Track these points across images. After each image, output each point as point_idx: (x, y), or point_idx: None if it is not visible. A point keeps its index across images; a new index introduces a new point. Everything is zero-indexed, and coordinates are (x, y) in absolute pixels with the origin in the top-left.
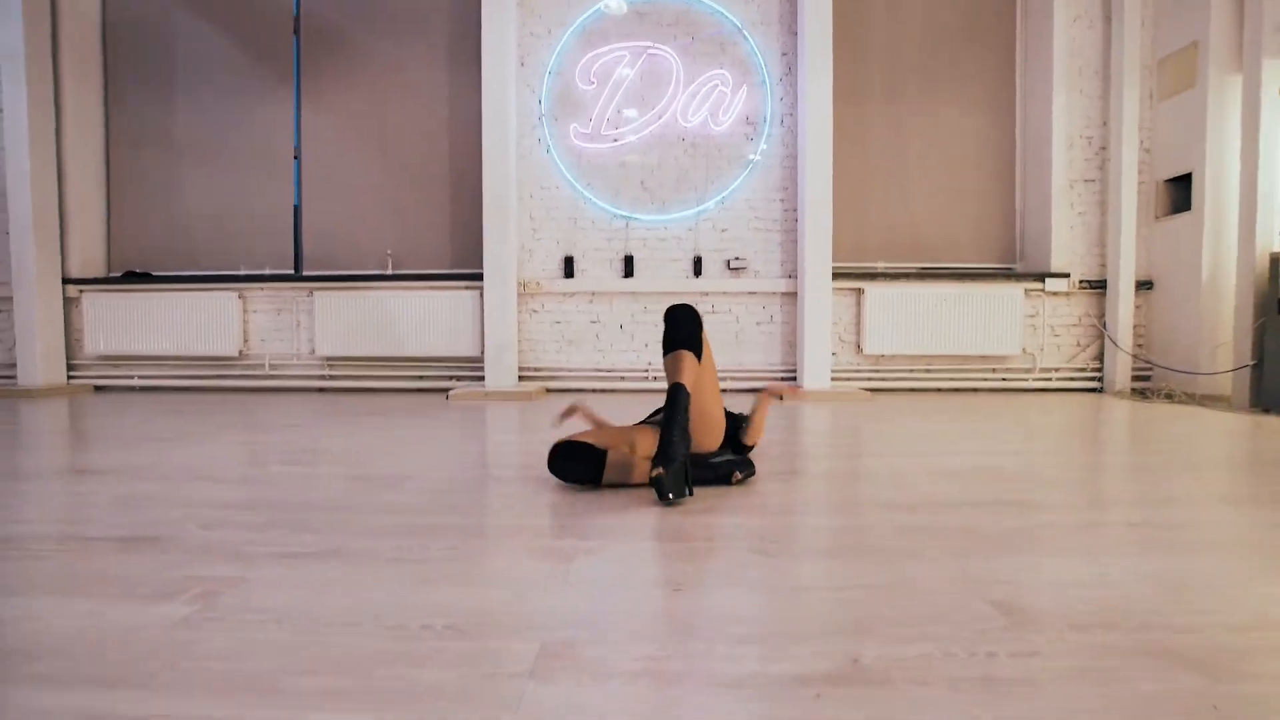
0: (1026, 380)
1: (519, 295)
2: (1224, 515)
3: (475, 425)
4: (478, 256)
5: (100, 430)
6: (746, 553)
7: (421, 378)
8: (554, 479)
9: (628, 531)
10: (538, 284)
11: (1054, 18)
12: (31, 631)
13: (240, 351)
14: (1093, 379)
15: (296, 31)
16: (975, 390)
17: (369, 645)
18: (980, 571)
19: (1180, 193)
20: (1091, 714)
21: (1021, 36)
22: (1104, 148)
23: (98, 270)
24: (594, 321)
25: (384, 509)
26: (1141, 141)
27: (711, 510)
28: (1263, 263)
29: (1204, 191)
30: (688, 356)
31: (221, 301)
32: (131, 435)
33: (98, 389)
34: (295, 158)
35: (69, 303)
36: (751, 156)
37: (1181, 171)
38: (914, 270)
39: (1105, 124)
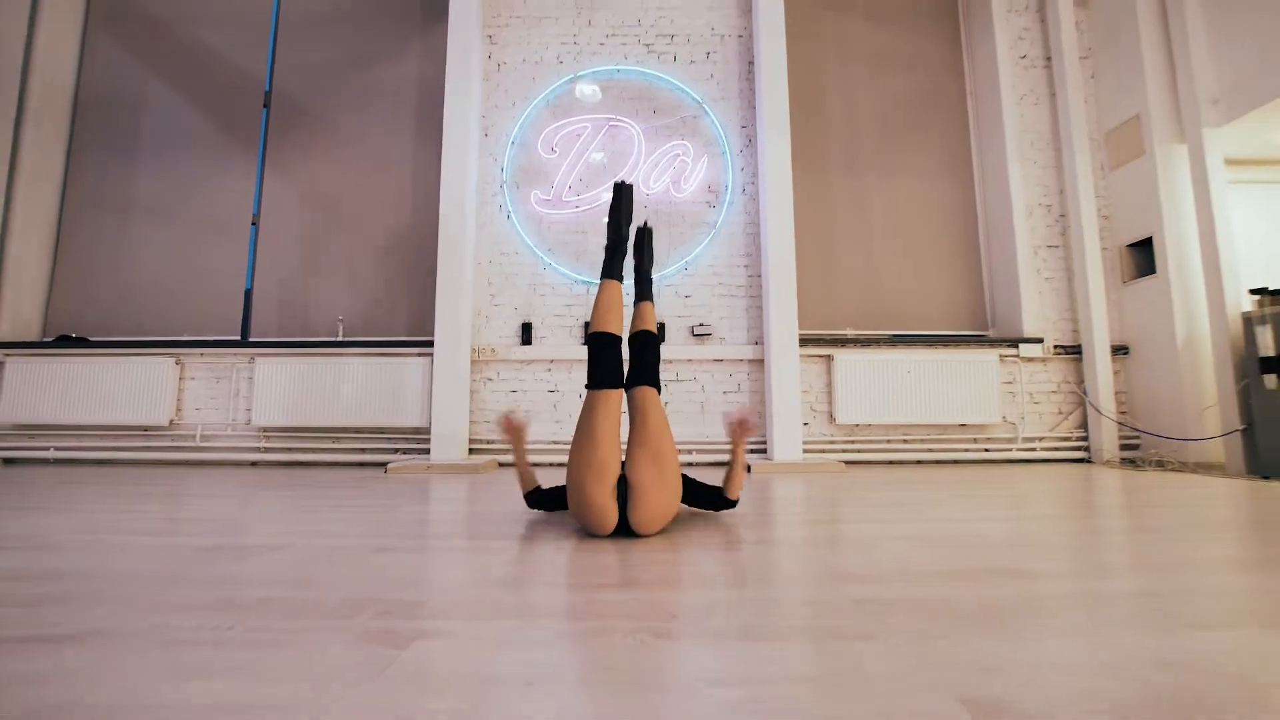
0: (1010, 450)
1: (473, 362)
2: (1241, 581)
3: (400, 498)
4: (433, 324)
5: None
6: (646, 636)
7: (364, 450)
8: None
9: (504, 609)
10: (493, 350)
11: (1001, 96)
12: None
13: (171, 421)
14: (1079, 448)
15: (267, 105)
16: (957, 462)
17: None
18: (951, 657)
19: (1144, 256)
20: None
21: (973, 112)
22: (1064, 215)
23: (31, 334)
24: (552, 391)
25: (214, 582)
26: (1100, 209)
27: (627, 584)
28: (1235, 325)
29: (1166, 255)
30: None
31: (157, 368)
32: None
33: (6, 462)
34: (253, 224)
35: None
36: (714, 222)
37: (1142, 236)
38: (885, 337)
39: (1062, 192)
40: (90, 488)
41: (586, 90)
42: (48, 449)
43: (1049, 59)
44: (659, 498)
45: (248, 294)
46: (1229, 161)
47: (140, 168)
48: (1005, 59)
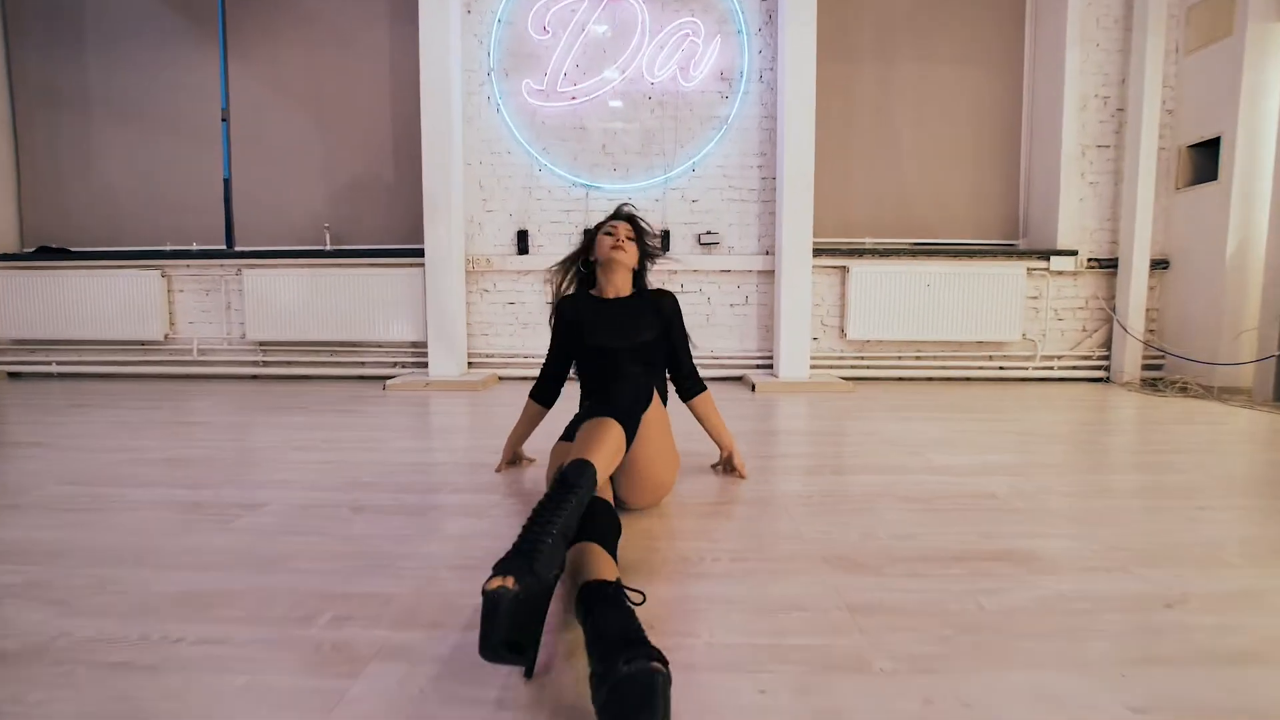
0: (1026, 369)
1: (467, 273)
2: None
3: (396, 424)
4: (422, 231)
5: None
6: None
7: (363, 364)
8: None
9: (475, 614)
10: (488, 261)
11: None
12: None
13: (166, 335)
14: (1098, 367)
15: None
16: (969, 380)
17: None
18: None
19: (1206, 160)
20: None
21: None
22: (1121, 108)
23: (9, 245)
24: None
25: (171, 562)
26: (1164, 101)
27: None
28: None
29: (1234, 158)
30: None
31: (143, 280)
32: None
33: (12, 375)
34: (223, 120)
35: None
36: (725, 115)
37: (1209, 135)
38: (905, 247)
39: (1124, 81)
40: (95, 411)
41: None
42: (50, 363)
43: None
44: (649, 499)
45: (227, 197)
46: None
47: (89, 59)
48: None
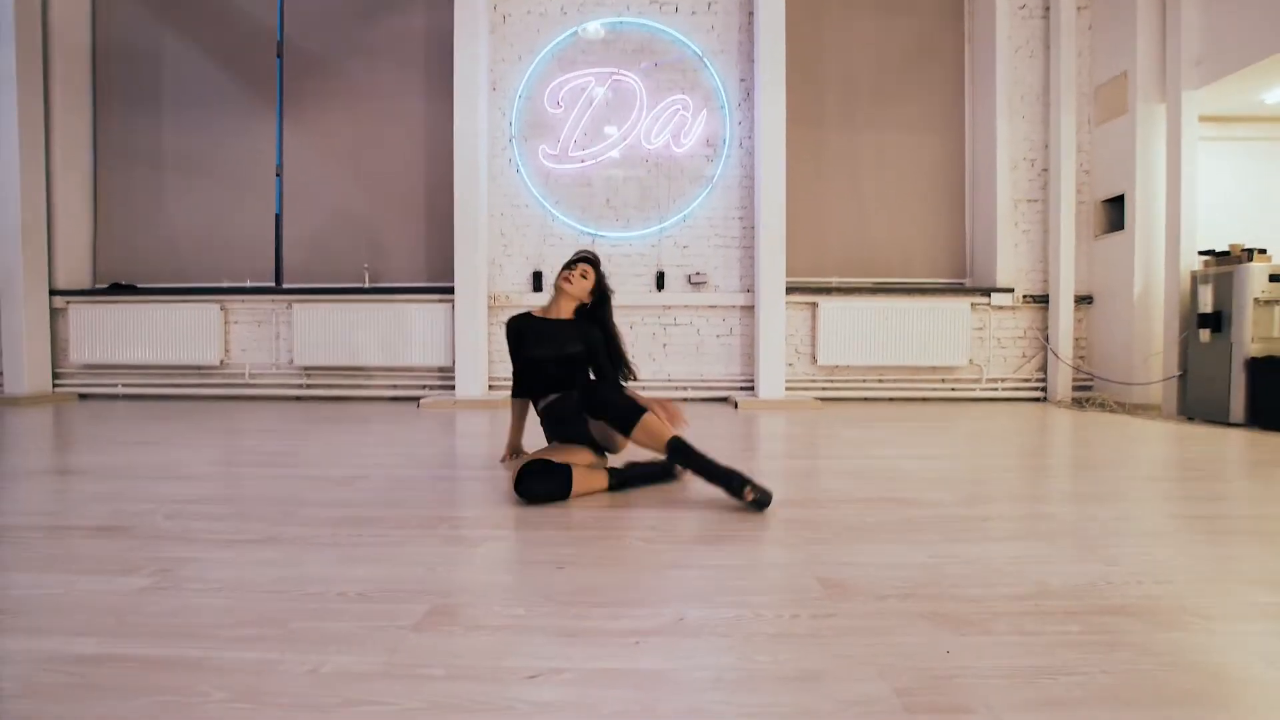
0: (974, 390)
1: (489, 308)
2: (1062, 509)
3: (437, 431)
4: (451, 271)
5: (82, 435)
6: (633, 541)
7: (396, 386)
8: (512, 496)
9: (533, 521)
10: (507, 297)
11: (997, 48)
12: (14, 597)
13: (221, 361)
14: (1037, 389)
15: (280, 54)
16: (925, 400)
17: (290, 606)
18: (824, 555)
19: (1116, 212)
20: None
21: (969, 63)
22: (1046, 169)
23: (84, 282)
24: None
25: (331, 504)
26: (1081, 164)
27: (619, 505)
28: (1185, 280)
29: (1135, 212)
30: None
31: (204, 313)
32: (111, 439)
33: (82, 397)
34: (277, 175)
35: (55, 313)
36: (711, 175)
37: (1116, 193)
38: (867, 285)
39: (1046, 147)
40: (177, 423)
41: (591, 40)
42: (116, 385)
43: (1047, 8)
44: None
45: (278, 242)
46: (1205, 118)
47: (164, 121)
48: (1004, 7)
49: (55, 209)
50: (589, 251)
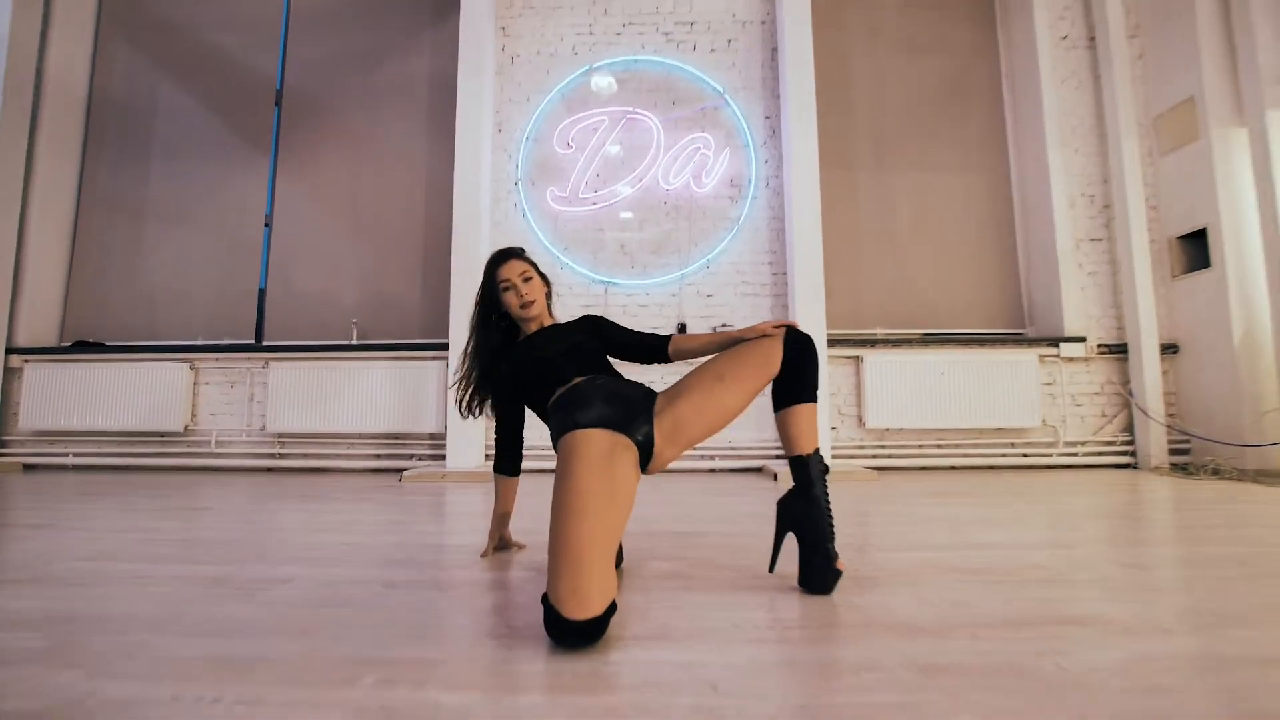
0: (1050, 456)
1: None
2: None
3: (415, 510)
4: (448, 327)
5: None
6: (686, 715)
7: (379, 456)
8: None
9: (516, 678)
10: None
11: (1040, 80)
12: None
13: (186, 427)
14: (1124, 453)
15: (278, 103)
16: (993, 468)
17: None
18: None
19: (1196, 249)
20: None
21: (1010, 97)
22: (1108, 205)
23: (49, 339)
24: None
25: (213, 629)
26: (1147, 198)
27: (641, 634)
28: None
29: (1223, 247)
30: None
31: (172, 373)
32: (10, 523)
33: (27, 468)
34: (266, 225)
35: (10, 373)
36: (737, 217)
37: (1194, 227)
38: (916, 336)
39: (1106, 181)
40: (106, 499)
41: (603, 82)
42: (66, 455)
43: (1092, 39)
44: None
45: (261, 296)
46: None
47: (153, 172)
48: (1044, 39)
49: (25, 260)
50: (505, 250)
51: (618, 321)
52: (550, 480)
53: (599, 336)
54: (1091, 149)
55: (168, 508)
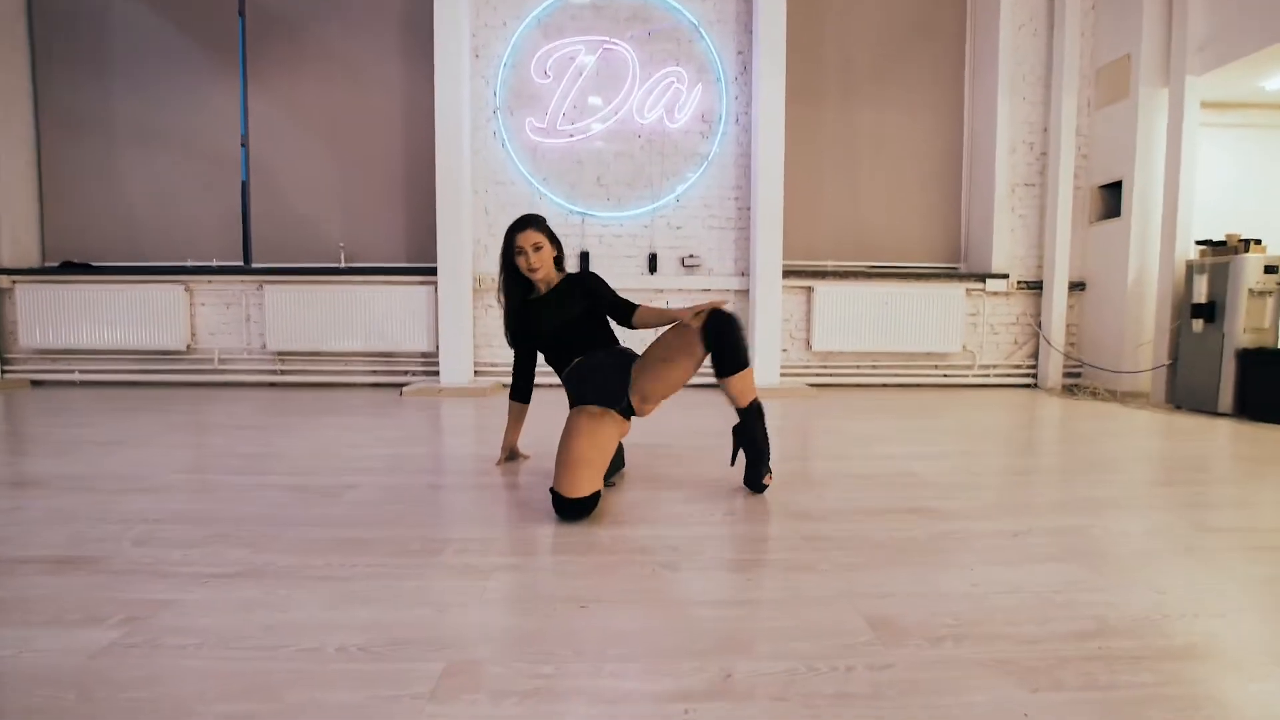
0: (966, 376)
1: (474, 290)
2: (1111, 523)
3: (424, 424)
4: (433, 251)
5: (35, 432)
6: (656, 569)
7: (376, 372)
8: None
9: (545, 542)
10: (493, 279)
11: (1000, 25)
12: None
13: (188, 346)
14: (1028, 375)
15: (242, 13)
16: (919, 385)
17: (284, 668)
18: (862, 584)
19: (1113, 199)
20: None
21: (970, 42)
22: (1044, 153)
23: (32, 260)
24: None
25: (319, 522)
26: (1079, 148)
27: (631, 518)
28: (1180, 269)
29: (1132, 198)
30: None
31: (167, 294)
32: (67, 438)
33: (35, 384)
34: (242, 145)
35: (1, 293)
36: (707, 153)
37: (1114, 179)
38: (863, 269)
39: (1045, 130)
40: (141, 415)
41: (580, 5)
42: (73, 371)
43: None
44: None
45: (245, 218)
46: (1207, 105)
47: (114, 85)
48: None
49: None
50: (526, 217)
51: (602, 279)
52: (547, 396)
53: (591, 295)
54: (1038, 98)
55: (209, 424)
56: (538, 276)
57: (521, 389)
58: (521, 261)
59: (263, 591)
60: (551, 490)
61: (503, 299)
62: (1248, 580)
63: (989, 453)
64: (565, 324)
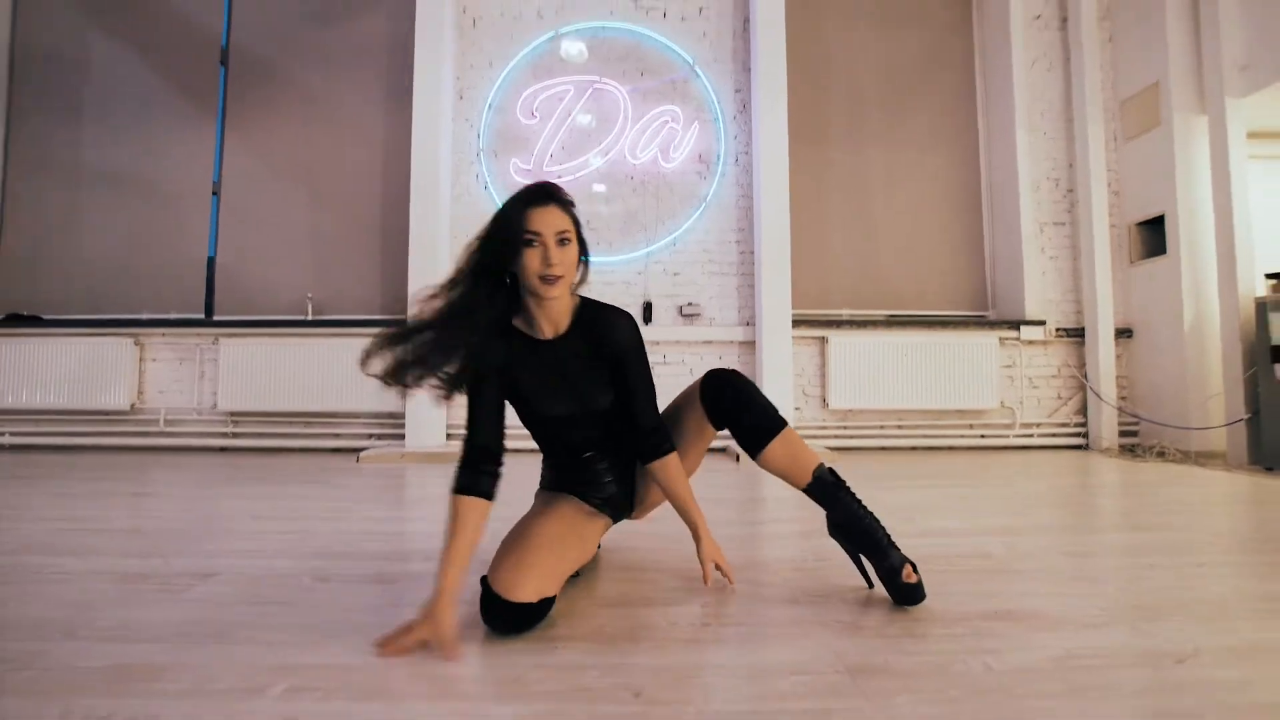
0: (1007, 436)
1: None
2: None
3: (369, 493)
4: (406, 302)
5: None
6: (606, 714)
7: (337, 435)
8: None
9: (440, 684)
10: None
11: (1012, 60)
12: None
13: (133, 405)
14: (1077, 434)
15: (224, 62)
16: (952, 449)
17: None
18: None
19: (1154, 235)
20: None
21: (981, 78)
22: (1071, 190)
23: None
24: None
25: (121, 634)
26: (1110, 184)
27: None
28: (1247, 309)
29: (1178, 234)
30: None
31: (114, 348)
32: None
33: None
34: (214, 193)
35: None
36: (704, 194)
37: (1153, 214)
38: (881, 318)
39: (1071, 165)
40: (42, 482)
41: (572, 49)
42: (2, 434)
43: (1064, 19)
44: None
45: (210, 268)
46: (1252, 135)
47: (87, 132)
48: (1018, 18)
49: None
50: (545, 187)
51: (646, 364)
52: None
53: (619, 366)
54: (1058, 133)
55: (106, 492)
56: (550, 292)
57: (481, 476)
58: (533, 258)
59: None
60: (483, 581)
61: (448, 301)
62: None
63: (1070, 525)
64: (573, 414)
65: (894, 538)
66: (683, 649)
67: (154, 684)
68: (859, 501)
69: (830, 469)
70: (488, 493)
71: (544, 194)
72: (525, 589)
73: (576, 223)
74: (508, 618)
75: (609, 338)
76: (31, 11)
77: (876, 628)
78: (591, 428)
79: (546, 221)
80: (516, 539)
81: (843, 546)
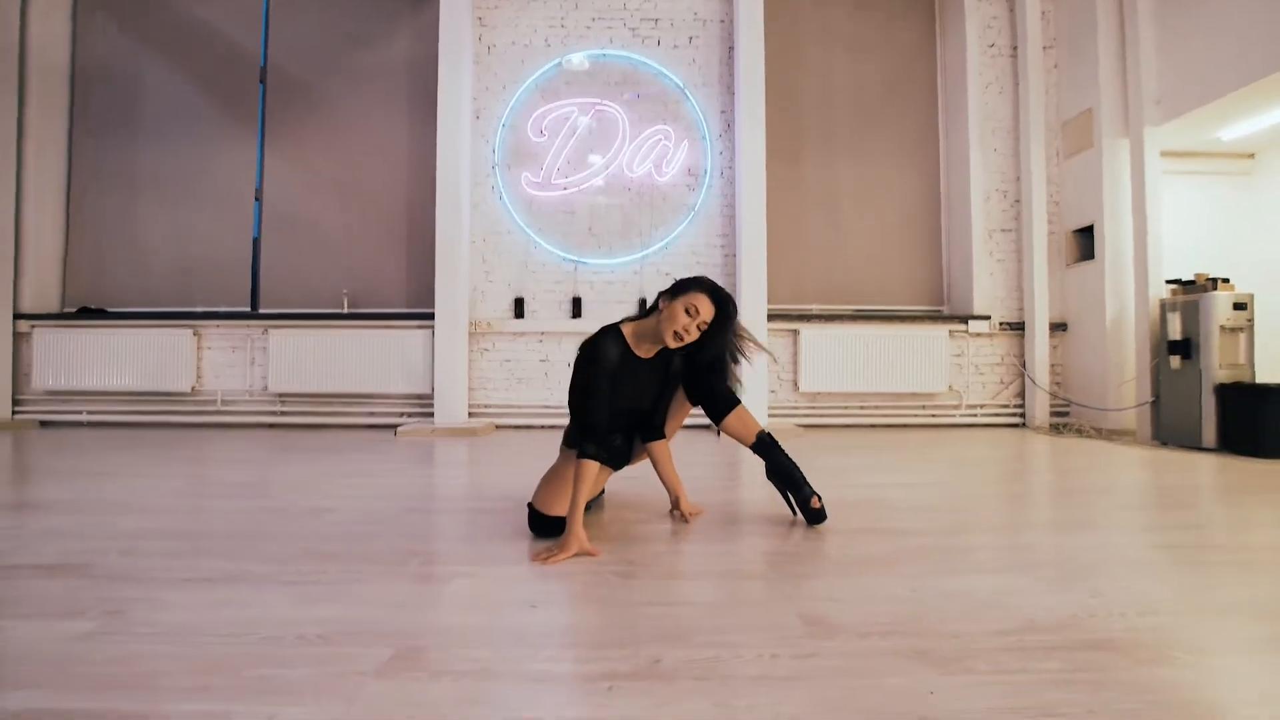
0: (954, 416)
1: (470, 335)
2: (1066, 539)
3: (413, 460)
4: (431, 297)
5: (40, 465)
6: (610, 577)
7: (373, 414)
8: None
9: (508, 555)
10: (489, 324)
11: (968, 83)
12: None
13: (193, 388)
14: (1015, 415)
15: (263, 80)
16: (906, 426)
17: (244, 652)
18: (809, 590)
19: (1086, 242)
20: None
21: (942, 99)
22: (1018, 200)
23: (51, 306)
24: (543, 360)
25: (295, 537)
26: (1051, 195)
27: (598, 535)
28: (1154, 308)
29: (1104, 242)
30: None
31: (176, 338)
32: (70, 470)
33: (43, 424)
34: (256, 199)
35: (19, 337)
36: (693, 204)
37: (1086, 223)
38: (848, 313)
39: (1018, 179)
40: (143, 451)
41: (574, 72)
42: (80, 412)
43: (1015, 48)
44: None
45: (255, 267)
46: (1167, 153)
47: (142, 143)
48: (974, 46)
49: (25, 229)
50: (712, 287)
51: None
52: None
53: (691, 371)
54: (1008, 149)
55: (204, 458)
56: (670, 344)
57: (599, 444)
58: (683, 322)
59: (233, 594)
60: (530, 506)
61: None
62: (1183, 588)
63: (965, 481)
64: (640, 407)
65: (823, 488)
66: (659, 544)
67: (339, 559)
68: (786, 455)
69: (769, 433)
70: (602, 459)
71: (713, 290)
72: (557, 508)
73: (716, 324)
74: (548, 528)
75: (672, 368)
76: (89, 38)
77: (790, 536)
78: (634, 417)
79: (705, 305)
80: (552, 478)
81: (775, 485)
